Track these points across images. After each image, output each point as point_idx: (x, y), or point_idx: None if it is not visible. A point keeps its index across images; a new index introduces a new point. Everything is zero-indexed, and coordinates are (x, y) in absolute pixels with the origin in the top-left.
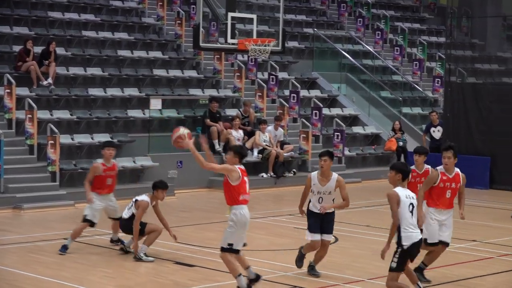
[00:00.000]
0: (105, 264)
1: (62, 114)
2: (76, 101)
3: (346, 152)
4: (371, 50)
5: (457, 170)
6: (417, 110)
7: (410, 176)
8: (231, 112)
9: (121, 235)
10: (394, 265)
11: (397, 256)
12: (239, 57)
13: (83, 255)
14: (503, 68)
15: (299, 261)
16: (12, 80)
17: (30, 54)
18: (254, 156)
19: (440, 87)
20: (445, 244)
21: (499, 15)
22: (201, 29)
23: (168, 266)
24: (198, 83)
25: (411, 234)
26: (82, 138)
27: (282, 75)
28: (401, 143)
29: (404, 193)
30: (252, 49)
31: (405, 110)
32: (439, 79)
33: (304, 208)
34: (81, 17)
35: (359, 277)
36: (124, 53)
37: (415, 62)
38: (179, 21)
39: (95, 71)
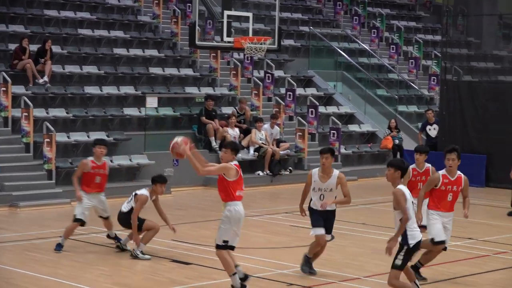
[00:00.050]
0: (101, 262)
1: (58, 112)
2: (72, 99)
3: (342, 150)
4: (367, 48)
5: (459, 173)
6: (413, 108)
7: (411, 174)
8: (227, 110)
9: (119, 232)
10: (399, 262)
11: (402, 254)
12: (235, 55)
13: (79, 253)
14: (499, 66)
15: (305, 265)
16: (8, 78)
17: (26, 52)
18: (250, 154)
19: (436, 85)
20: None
21: (495, 13)
22: (197, 27)
23: (164, 264)
24: (194, 81)
25: (415, 233)
26: (78, 136)
27: (278, 73)
28: (397, 141)
29: (407, 191)
30: (248, 47)
31: (401, 108)
32: (435, 77)
33: (305, 206)
34: (77, 15)
35: (356, 275)
36: (120, 51)
37: (411, 60)
38: (175, 19)
39: (91, 69)
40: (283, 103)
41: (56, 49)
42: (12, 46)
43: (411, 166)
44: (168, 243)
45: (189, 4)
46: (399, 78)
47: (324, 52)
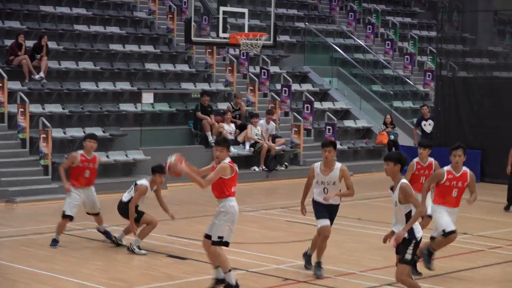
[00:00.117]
0: (97, 257)
1: (54, 108)
2: (68, 95)
3: (338, 146)
4: (363, 44)
5: (465, 169)
6: (408, 104)
7: (415, 168)
8: (223, 106)
9: (115, 228)
10: (409, 257)
11: (411, 248)
12: (231, 51)
13: (75, 248)
14: (494, 62)
15: (308, 264)
16: (4, 74)
17: (22, 48)
18: (246, 150)
19: (431, 81)
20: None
21: (490, 9)
22: (192, 23)
23: (161, 259)
24: (190, 77)
25: (418, 226)
26: (74, 132)
27: (274, 69)
28: (392, 137)
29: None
30: (243, 43)
31: (396, 104)
32: (430, 73)
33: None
34: (73, 11)
35: (351, 270)
36: (116, 47)
37: (406, 56)
38: (171, 15)
39: (87, 65)
40: (279, 99)
41: (52, 45)
42: (8, 42)
43: (415, 160)
44: (165, 238)
45: (185, 0)
46: (394, 74)
47: (319, 48)
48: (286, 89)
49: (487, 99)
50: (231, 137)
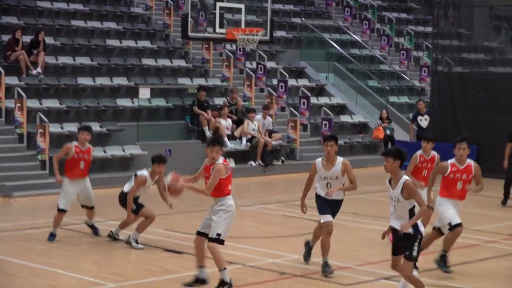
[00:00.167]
0: (95, 252)
1: (52, 103)
2: (65, 90)
3: None
4: (359, 39)
5: (469, 161)
6: (404, 99)
7: (418, 160)
8: (219, 101)
9: (112, 222)
10: (415, 254)
11: (417, 244)
12: (228, 46)
13: (73, 243)
14: (490, 58)
15: (307, 254)
16: (1, 70)
17: (19, 43)
18: (242, 145)
19: (427, 77)
20: (441, 234)
21: (486, 5)
22: (189, 18)
23: (157, 253)
24: (187, 73)
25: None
26: (72, 127)
27: (270, 64)
28: (388, 132)
29: None
30: (240, 39)
31: (392, 99)
32: (426, 69)
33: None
34: (70, 7)
35: (347, 264)
36: (113, 42)
37: (402, 52)
38: (168, 11)
39: (84, 60)
40: (275, 94)
41: (49, 40)
42: (5, 38)
43: (418, 152)
44: (161, 232)
45: None
46: (390, 69)
47: (316, 43)
48: (283, 84)
49: (483, 94)
50: (228, 132)
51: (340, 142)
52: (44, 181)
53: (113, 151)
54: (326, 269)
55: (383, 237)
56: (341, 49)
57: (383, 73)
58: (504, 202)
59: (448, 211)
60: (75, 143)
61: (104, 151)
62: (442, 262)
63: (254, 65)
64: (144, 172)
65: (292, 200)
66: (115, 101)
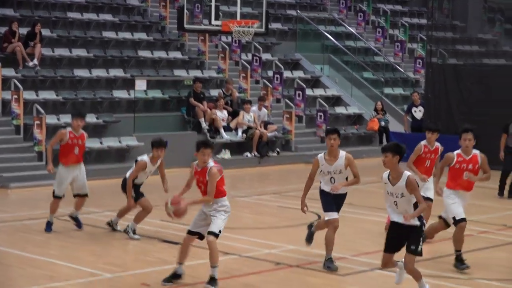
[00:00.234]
0: (92, 242)
1: (48, 95)
2: (61, 82)
3: None
4: (354, 31)
5: (475, 151)
6: (398, 91)
7: (422, 150)
8: (215, 93)
9: (109, 214)
10: (420, 248)
11: (421, 239)
12: (223, 38)
13: (70, 234)
14: (484, 50)
15: (308, 240)
16: None
17: (15, 35)
18: (238, 136)
19: (421, 68)
20: (447, 225)
21: None
22: (185, 11)
23: (154, 244)
24: (183, 64)
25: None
26: (68, 119)
27: (266, 56)
28: (383, 123)
29: None
30: (236, 31)
31: (387, 90)
32: (420, 60)
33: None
34: None
35: (343, 254)
36: (109, 34)
37: (397, 44)
38: (164, 3)
39: (80, 52)
40: (271, 86)
41: (45, 32)
42: (2, 30)
43: (422, 143)
44: (158, 223)
45: None
46: (385, 61)
47: (311, 35)
48: (278, 76)
49: (477, 86)
50: (223, 123)
51: None
52: (41, 172)
53: (110, 142)
54: (331, 266)
55: (387, 229)
56: (336, 41)
57: (378, 65)
58: (501, 193)
59: (453, 205)
60: (69, 129)
61: (101, 143)
62: (458, 262)
63: (250, 57)
64: (144, 157)
65: (287, 191)
66: (112, 93)
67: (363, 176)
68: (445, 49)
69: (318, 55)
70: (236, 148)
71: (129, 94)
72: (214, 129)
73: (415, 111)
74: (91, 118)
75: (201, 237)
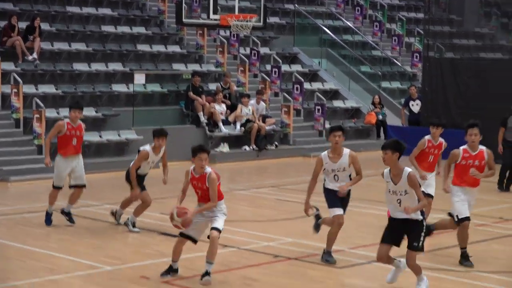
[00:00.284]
0: (92, 235)
1: (48, 89)
2: (61, 76)
3: (327, 126)
4: (351, 25)
5: (481, 147)
6: (396, 85)
7: (426, 145)
8: (213, 86)
9: (108, 206)
10: (422, 244)
11: (423, 235)
12: (222, 32)
13: (70, 227)
14: (480, 44)
15: (316, 228)
16: None
17: (15, 29)
18: (236, 130)
19: (418, 62)
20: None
21: None
22: (183, 5)
23: (154, 237)
24: (181, 58)
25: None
26: (67, 112)
27: (264, 50)
28: (380, 117)
29: None
30: (234, 25)
31: (384, 84)
32: (417, 54)
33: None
34: None
35: (341, 247)
36: (108, 28)
37: (394, 38)
38: None
39: (80, 46)
40: (269, 80)
41: (44, 26)
42: (1, 24)
43: (426, 137)
44: (157, 216)
45: None
46: (382, 55)
47: (309, 29)
48: (276, 70)
49: (474, 80)
50: (222, 117)
51: None
52: (41, 166)
53: (109, 136)
54: (329, 259)
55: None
56: (334, 35)
57: (375, 59)
58: (501, 187)
59: (458, 203)
60: (66, 120)
61: (100, 136)
62: (463, 259)
63: (248, 51)
64: (146, 147)
65: (285, 184)
66: (111, 87)
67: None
68: (442, 43)
69: (316, 49)
70: (235, 141)
71: (128, 88)
72: (212, 123)
73: (412, 105)
74: (90, 112)
75: (194, 241)
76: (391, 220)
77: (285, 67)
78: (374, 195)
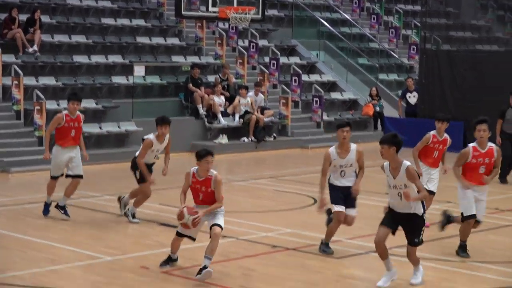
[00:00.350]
0: (92, 226)
1: (48, 81)
2: (61, 68)
3: (325, 117)
4: (349, 18)
5: (490, 144)
6: (393, 77)
7: (430, 140)
8: (212, 78)
9: (107, 198)
10: (422, 238)
11: (423, 230)
12: (220, 25)
13: (70, 218)
14: (477, 36)
15: (329, 223)
16: None
17: (15, 22)
18: (235, 121)
19: (415, 54)
20: (477, 222)
21: None
22: None
23: (153, 227)
24: (181, 51)
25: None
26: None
27: (262, 42)
28: (377, 109)
29: None
30: (232, 17)
31: (382, 76)
32: (414, 47)
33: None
34: None
35: (338, 237)
36: (107, 21)
37: (391, 30)
38: None
39: (80, 38)
40: (267, 72)
41: (45, 18)
42: (2, 16)
43: (431, 132)
44: (157, 207)
45: None
46: (379, 47)
47: (307, 22)
48: (274, 62)
49: (470, 72)
50: (221, 109)
51: (331, 118)
52: (41, 157)
53: (109, 127)
54: (326, 250)
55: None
56: (332, 28)
57: (373, 51)
58: (503, 180)
59: (464, 200)
60: (65, 112)
61: (100, 128)
62: (461, 249)
63: (246, 43)
64: (150, 136)
65: (283, 175)
66: (110, 79)
67: None
68: (439, 35)
69: (314, 41)
70: (233, 133)
71: (127, 80)
72: (211, 115)
73: (409, 97)
74: (90, 104)
75: (192, 239)
76: (392, 210)
77: (283, 59)
78: (372, 186)
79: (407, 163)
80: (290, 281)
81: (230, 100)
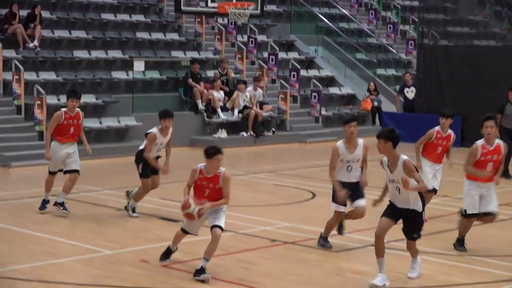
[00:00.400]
0: (92, 220)
1: (48, 76)
2: (61, 63)
3: (323, 112)
4: (347, 13)
5: (498, 141)
6: (391, 72)
7: (434, 136)
8: (212, 73)
9: (107, 192)
10: (421, 233)
11: (422, 227)
12: (220, 20)
13: (70, 212)
14: (474, 31)
15: (340, 228)
16: None
17: (16, 17)
18: (234, 116)
19: (413, 50)
20: (492, 215)
21: None
22: None
23: (153, 221)
24: (180, 46)
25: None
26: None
27: (261, 37)
28: (376, 103)
29: None
30: (231, 13)
31: (380, 71)
32: (412, 42)
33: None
34: None
35: (335, 231)
36: (107, 16)
37: (389, 25)
38: None
39: (80, 34)
40: (266, 67)
41: (45, 14)
42: (2, 12)
43: (436, 128)
44: (157, 201)
45: None
46: (377, 42)
47: (305, 17)
48: (273, 57)
49: (467, 67)
50: (220, 103)
51: (329, 113)
52: (42, 152)
53: (109, 122)
54: (324, 244)
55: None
56: (330, 23)
57: (371, 46)
58: (507, 175)
59: (468, 198)
60: (64, 109)
61: (100, 123)
62: (458, 243)
63: (245, 38)
64: (153, 130)
65: (282, 169)
66: (110, 74)
67: None
68: (437, 30)
69: (312, 36)
70: (232, 127)
71: (127, 75)
72: (211, 109)
73: (407, 92)
74: (90, 99)
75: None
76: (393, 204)
77: (282, 54)
78: (370, 180)
79: (404, 157)
80: (289, 274)
81: (229, 95)
